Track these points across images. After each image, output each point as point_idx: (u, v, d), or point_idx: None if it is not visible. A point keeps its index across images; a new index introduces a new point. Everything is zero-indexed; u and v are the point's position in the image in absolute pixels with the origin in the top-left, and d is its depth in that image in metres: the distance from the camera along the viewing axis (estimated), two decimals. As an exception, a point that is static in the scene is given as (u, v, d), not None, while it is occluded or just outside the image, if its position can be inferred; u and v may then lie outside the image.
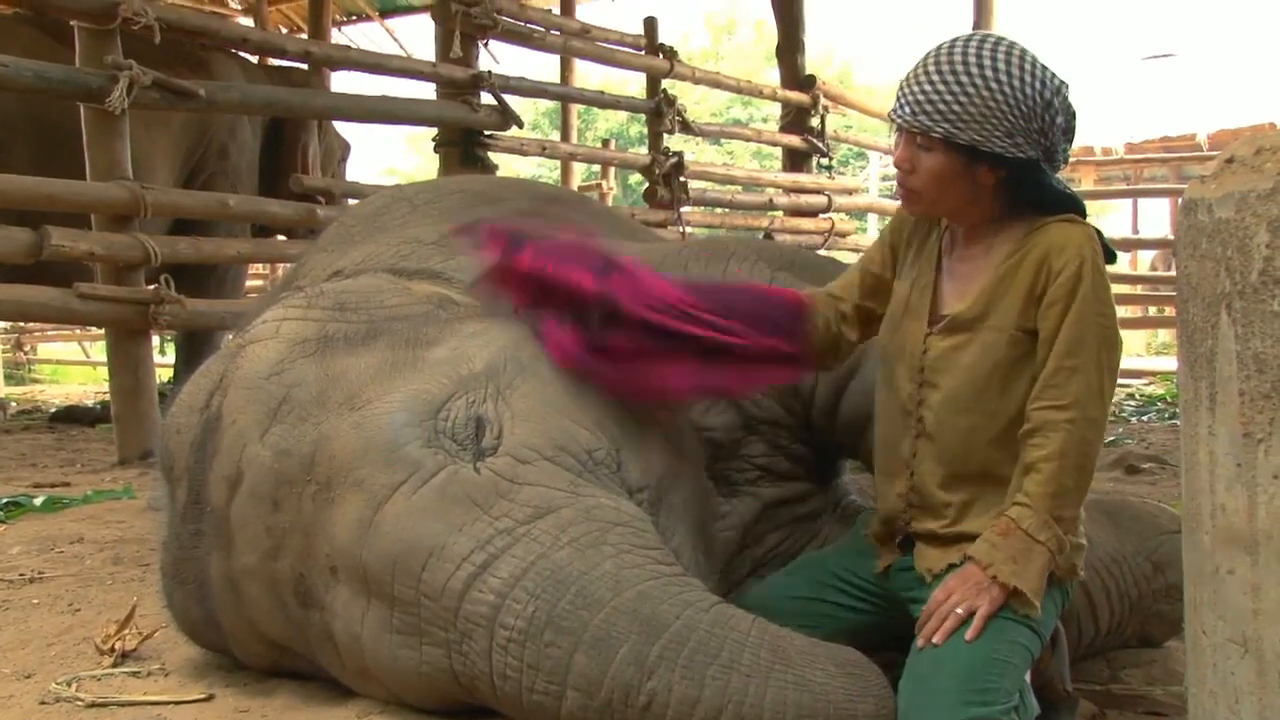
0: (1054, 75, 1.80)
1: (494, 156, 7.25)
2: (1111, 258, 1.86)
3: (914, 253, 1.99)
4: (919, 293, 1.95)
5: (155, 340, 7.54)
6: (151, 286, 5.35)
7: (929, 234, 1.98)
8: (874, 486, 2.04)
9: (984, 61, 1.77)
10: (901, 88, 1.82)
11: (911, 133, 1.80)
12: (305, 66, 7.51)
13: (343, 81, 9.27)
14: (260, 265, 12.26)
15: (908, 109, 1.79)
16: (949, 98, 1.76)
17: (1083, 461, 1.76)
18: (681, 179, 8.71)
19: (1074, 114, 1.83)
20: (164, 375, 7.93)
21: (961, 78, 1.76)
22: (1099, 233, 1.85)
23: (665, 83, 8.86)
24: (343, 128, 8.78)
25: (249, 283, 10.42)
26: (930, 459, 1.89)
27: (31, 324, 13.94)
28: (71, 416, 7.67)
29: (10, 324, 14.10)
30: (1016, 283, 1.82)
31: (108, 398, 5.96)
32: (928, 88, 1.77)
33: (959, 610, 1.73)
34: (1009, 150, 1.78)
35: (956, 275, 1.92)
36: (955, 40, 1.81)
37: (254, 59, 7.90)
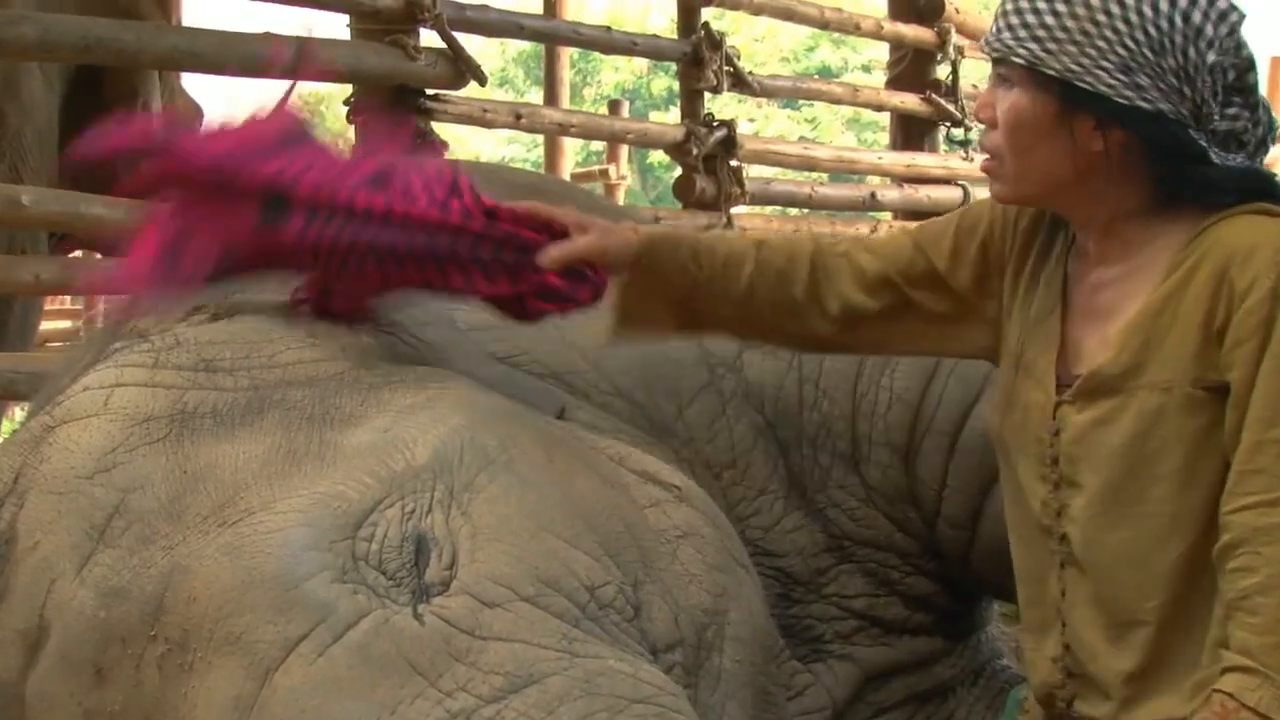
0: None
1: (441, 128, 7.32)
2: None
3: (1024, 279, 2.01)
4: (1038, 342, 1.98)
5: (-99, 418, 7.62)
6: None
7: (1049, 250, 2.01)
8: (1020, 644, 2.06)
9: None
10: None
11: (997, 70, 1.92)
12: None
13: (199, 11, 9.40)
14: (69, 298, 12.36)
15: (993, 31, 1.91)
16: (1042, 5, 1.85)
17: None
18: (733, 163, 8.75)
19: (1249, 61, 1.86)
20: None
21: None
22: None
23: (707, 13, 8.94)
24: (198, 82, 8.89)
25: (48, 324, 10.52)
26: (1085, 601, 1.91)
27: None
28: None
29: None
30: (1183, 313, 1.85)
31: None
32: (1022, 2, 1.88)
33: None
34: (1121, 94, 1.83)
35: (1093, 311, 1.95)
36: None
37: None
